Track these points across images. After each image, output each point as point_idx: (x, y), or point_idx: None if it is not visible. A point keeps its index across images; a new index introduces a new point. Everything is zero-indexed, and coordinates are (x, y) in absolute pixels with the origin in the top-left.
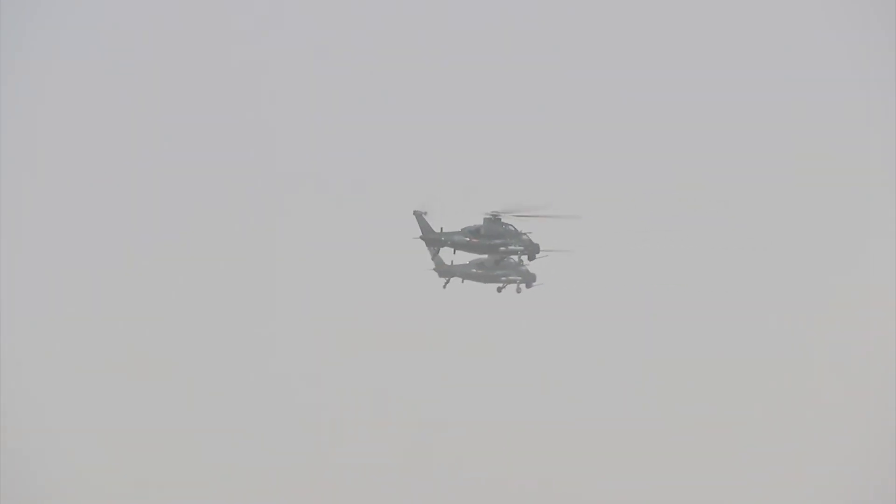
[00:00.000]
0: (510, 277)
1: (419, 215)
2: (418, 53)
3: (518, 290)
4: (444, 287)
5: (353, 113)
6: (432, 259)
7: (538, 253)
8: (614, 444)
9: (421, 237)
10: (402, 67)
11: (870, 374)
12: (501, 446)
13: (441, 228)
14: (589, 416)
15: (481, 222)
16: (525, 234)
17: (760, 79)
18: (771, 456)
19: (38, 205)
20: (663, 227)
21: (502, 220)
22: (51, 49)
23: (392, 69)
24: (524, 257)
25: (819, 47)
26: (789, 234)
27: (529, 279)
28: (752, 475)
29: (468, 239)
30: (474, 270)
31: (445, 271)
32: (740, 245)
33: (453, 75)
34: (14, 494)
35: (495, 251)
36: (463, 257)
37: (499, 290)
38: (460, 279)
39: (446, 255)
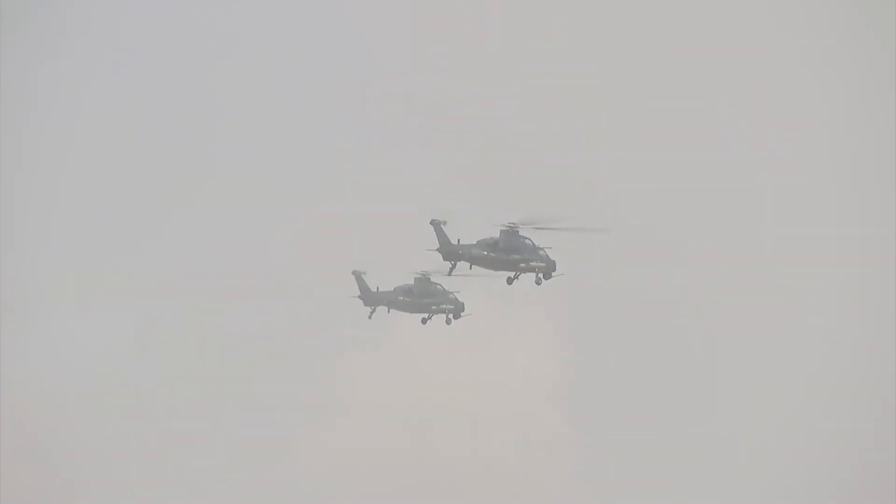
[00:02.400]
0: (441, 306)
1: (437, 225)
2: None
3: (448, 321)
4: (370, 317)
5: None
6: (449, 273)
7: (554, 271)
8: None
9: (438, 249)
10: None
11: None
12: None
13: (458, 240)
14: None
15: (498, 234)
16: (542, 249)
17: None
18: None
19: (36, 201)
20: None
21: (520, 233)
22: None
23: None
24: (540, 275)
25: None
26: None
27: (458, 308)
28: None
29: (486, 253)
30: (401, 298)
31: (371, 299)
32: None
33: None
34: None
35: (515, 267)
36: (387, 285)
37: (424, 321)
38: (386, 308)
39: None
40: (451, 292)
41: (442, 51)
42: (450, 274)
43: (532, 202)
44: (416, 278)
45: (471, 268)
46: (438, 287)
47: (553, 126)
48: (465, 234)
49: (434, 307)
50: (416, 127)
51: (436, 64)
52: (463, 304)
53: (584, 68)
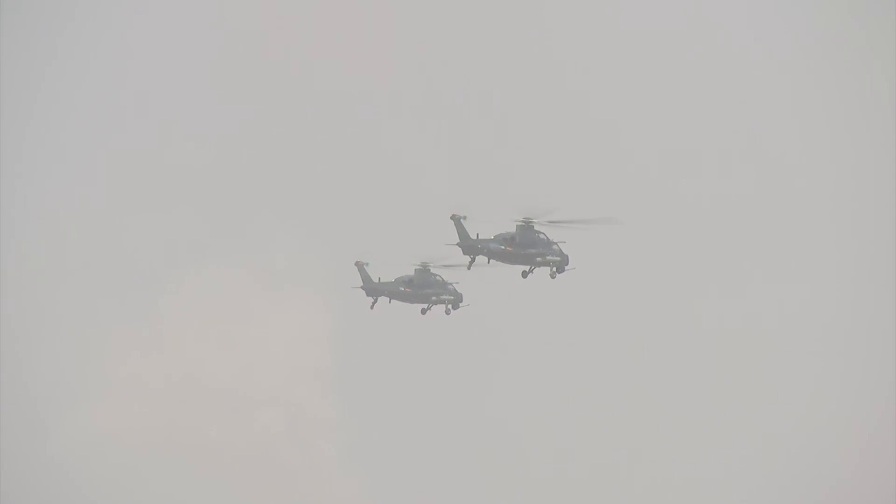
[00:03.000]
0: (441, 297)
1: (457, 220)
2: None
3: (447, 312)
4: (372, 307)
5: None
6: (468, 267)
7: (567, 265)
8: None
9: (458, 244)
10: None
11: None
12: None
13: (477, 235)
14: None
15: (514, 229)
16: (556, 243)
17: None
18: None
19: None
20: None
21: (535, 228)
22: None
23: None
24: (554, 268)
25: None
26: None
27: (458, 299)
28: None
29: (503, 247)
30: (402, 289)
31: (373, 290)
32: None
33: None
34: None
35: (530, 261)
36: (388, 275)
37: (424, 311)
38: (388, 299)
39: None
40: (451, 283)
41: (454, 44)
42: (469, 268)
43: (542, 197)
44: (416, 269)
45: (489, 262)
46: (438, 278)
47: (557, 123)
48: (481, 228)
49: (434, 298)
50: (428, 120)
51: (448, 56)
52: (462, 294)
53: (589, 66)
